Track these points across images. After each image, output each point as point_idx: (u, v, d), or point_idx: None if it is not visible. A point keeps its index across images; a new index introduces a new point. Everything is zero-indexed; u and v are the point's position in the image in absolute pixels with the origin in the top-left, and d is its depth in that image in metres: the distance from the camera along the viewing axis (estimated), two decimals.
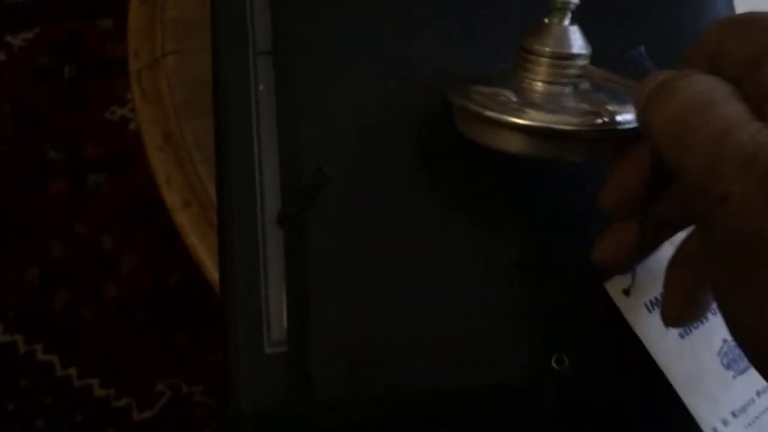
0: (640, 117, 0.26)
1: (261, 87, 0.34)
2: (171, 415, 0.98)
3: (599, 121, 0.28)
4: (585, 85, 0.30)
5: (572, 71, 0.29)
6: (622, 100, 0.29)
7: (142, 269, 1.03)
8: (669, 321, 0.29)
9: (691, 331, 0.31)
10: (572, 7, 0.29)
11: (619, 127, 0.28)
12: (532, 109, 0.28)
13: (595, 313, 0.32)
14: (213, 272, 0.39)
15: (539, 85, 0.29)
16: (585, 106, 0.29)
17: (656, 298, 0.31)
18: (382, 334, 0.31)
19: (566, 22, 0.29)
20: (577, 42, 0.29)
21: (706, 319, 0.31)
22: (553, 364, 0.31)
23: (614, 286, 0.31)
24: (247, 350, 0.31)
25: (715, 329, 0.31)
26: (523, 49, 0.30)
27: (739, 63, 0.25)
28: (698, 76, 0.24)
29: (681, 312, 0.28)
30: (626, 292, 0.31)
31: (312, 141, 0.33)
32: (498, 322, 0.32)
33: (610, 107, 0.28)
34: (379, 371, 0.31)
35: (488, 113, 0.29)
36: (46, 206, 1.06)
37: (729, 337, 0.29)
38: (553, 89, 0.29)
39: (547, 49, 0.29)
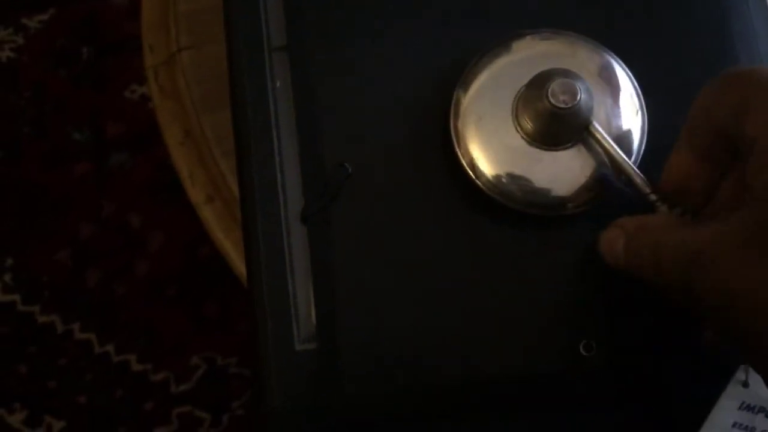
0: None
1: (278, 83, 0.34)
2: (207, 386, 1.00)
3: None
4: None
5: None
6: None
7: (170, 244, 1.04)
8: None
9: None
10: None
11: None
12: None
13: (621, 298, 0.32)
14: (239, 265, 0.40)
15: None
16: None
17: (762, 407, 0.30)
18: (410, 326, 0.32)
19: None
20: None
21: None
22: (582, 350, 0.31)
23: (735, 376, 0.30)
24: (277, 348, 0.32)
25: None
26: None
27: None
28: None
29: None
30: (744, 384, 0.30)
31: (332, 136, 0.33)
32: (524, 311, 0.32)
33: None
34: (408, 364, 0.31)
35: None
36: (73, 187, 1.07)
37: None
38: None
39: None
